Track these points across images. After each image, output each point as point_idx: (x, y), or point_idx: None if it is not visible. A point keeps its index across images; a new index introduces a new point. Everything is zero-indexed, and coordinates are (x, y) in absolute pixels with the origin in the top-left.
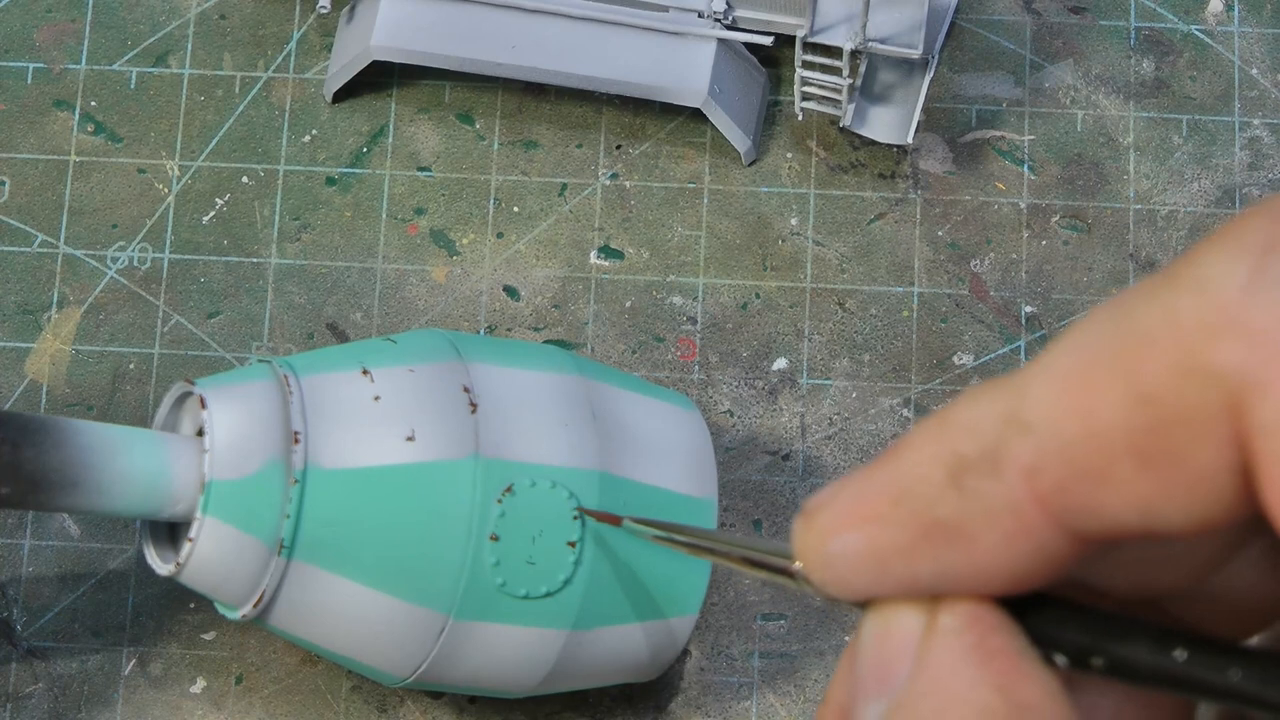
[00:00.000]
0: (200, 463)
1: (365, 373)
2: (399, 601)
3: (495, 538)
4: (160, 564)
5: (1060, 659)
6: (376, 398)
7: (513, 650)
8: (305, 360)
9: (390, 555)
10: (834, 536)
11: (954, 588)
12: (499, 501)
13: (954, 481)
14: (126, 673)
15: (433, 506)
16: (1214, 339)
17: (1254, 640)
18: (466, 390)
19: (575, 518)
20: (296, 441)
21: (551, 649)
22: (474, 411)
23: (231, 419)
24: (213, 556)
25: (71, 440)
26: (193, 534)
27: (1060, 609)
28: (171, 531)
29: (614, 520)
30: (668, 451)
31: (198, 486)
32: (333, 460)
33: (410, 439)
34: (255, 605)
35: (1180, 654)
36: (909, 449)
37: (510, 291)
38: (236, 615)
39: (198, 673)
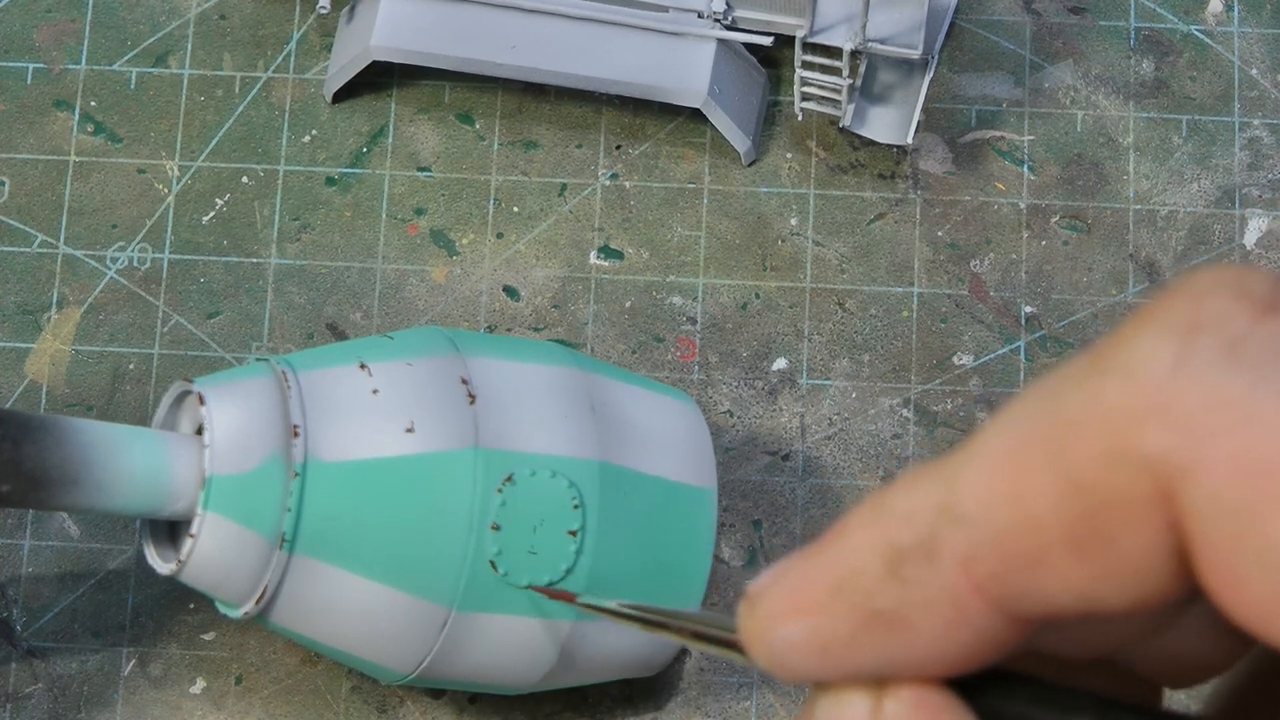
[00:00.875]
0: (200, 459)
1: (363, 367)
2: (401, 594)
3: (496, 527)
4: (161, 563)
5: None
6: (375, 391)
7: (516, 642)
8: (303, 357)
9: (392, 547)
10: (777, 626)
11: (898, 673)
12: (499, 491)
13: (892, 572)
14: (126, 673)
15: (433, 497)
16: (1141, 424)
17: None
18: (465, 382)
19: (575, 507)
20: (296, 435)
21: (554, 640)
22: (472, 403)
23: (231, 415)
24: (214, 552)
25: (72, 438)
26: (194, 530)
27: (1007, 683)
28: (172, 532)
29: (568, 598)
30: (667, 443)
31: (198, 483)
32: (333, 453)
33: (410, 431)
34: (257, 601)
35: None
36: (848, 536)
37: (510, 291)
38: (238, 613)
39: (198, 673)
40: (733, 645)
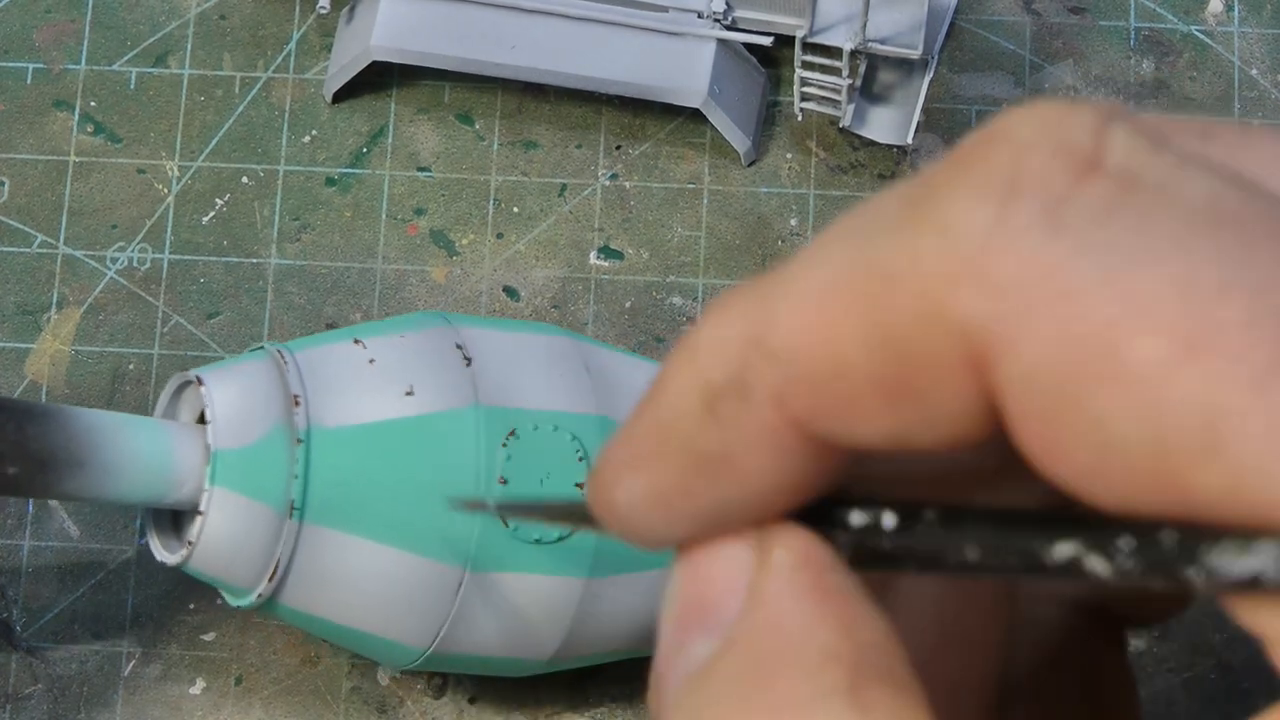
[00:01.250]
0: (203, 442)
1: (357, 342)
2: (414, 557)
3: (504, 481)
4: (169, 554)
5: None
6: (371, 360)
7: (531, 601)
8: (298, 342)
9: (401, 509)
10: (615, 487)
11: (737, 516)
12: (504, 445)
13: (709, 410)
14: (126, 673)
15: (438, 456)
16: (956, 288)
17: None
18: (459, 347)
19: (580, 459)
20: (297, 404)
21: (570, 599)
22: (469, 365)
23: (230, 393)
24: (224, 529)
25: (75, 422)
26: (203, 506)
27: (893, 512)
28: (175, 525)
29: (481, 506)
30: None
31: (203, 465)
32: (335, 419)
33: (409, 394)
34: (270, 579)
35: (889, 520)
36: (666, 379)
37: (510, 292)
38: (250, 598)
39: (198, 673)
40: (594, 520)
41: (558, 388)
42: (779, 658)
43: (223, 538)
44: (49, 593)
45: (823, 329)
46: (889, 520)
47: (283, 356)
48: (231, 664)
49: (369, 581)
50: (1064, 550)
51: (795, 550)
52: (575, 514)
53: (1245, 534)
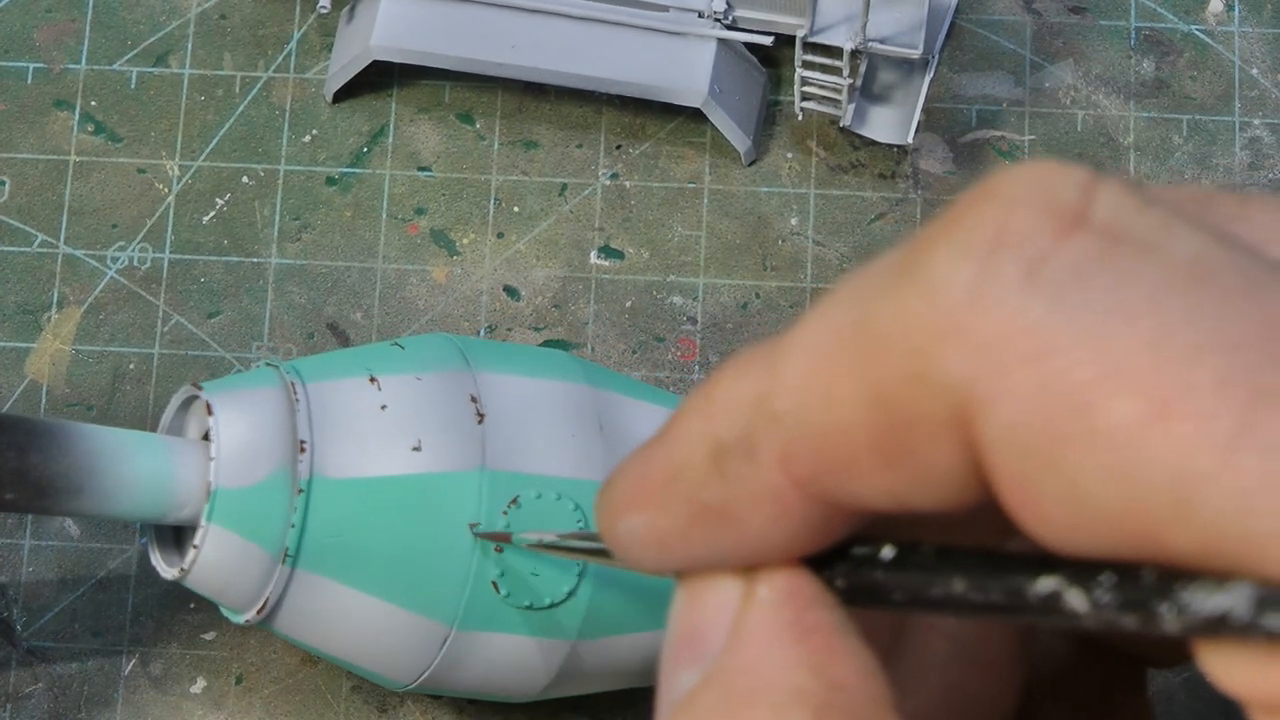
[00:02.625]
0: (205, 468)
1: (372, 380)
2: (402, 611)
3: (500, 549)
4: (165, 568)
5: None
6: (383, 406)
7: (515, 659)
8: (311, 365)
9: (395, 565)
10: (619, 518)
11: (734, 562)
12: (504, 514)
13: (716, 466)
14: (126, 673)
15: (438, 517)
16: (940, 346)
17: None
18: (474, 400)
19: (580, 527)
20: (303, 450)
21: (555, 658)
22: (480, 421)
23: (238, 426)
24: (217, 563)
25: (77, 445)
26: (197, 541)
27: (882, 548)
28: (176, 534)
29: (504, 538)
30: None
31: (203, 492)
32: (338, 470)
33: (417, 449)
34: (259, 612)
35: (888, 552)
36: (680, 425)
37: (510, 291)
38: (241, 620)
39: (198, 673)
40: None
41: (566, 452)
42: (750, 695)
43: (216, 571)
44: (49, 592)
45: (822, 391)
46: (888, 552)
47: (295, 390)
48: (231, 664)
49: (355, 627)
50: (1046, 585)
51: (779, 587)
52: (588, 545)
53: (1219, 578)
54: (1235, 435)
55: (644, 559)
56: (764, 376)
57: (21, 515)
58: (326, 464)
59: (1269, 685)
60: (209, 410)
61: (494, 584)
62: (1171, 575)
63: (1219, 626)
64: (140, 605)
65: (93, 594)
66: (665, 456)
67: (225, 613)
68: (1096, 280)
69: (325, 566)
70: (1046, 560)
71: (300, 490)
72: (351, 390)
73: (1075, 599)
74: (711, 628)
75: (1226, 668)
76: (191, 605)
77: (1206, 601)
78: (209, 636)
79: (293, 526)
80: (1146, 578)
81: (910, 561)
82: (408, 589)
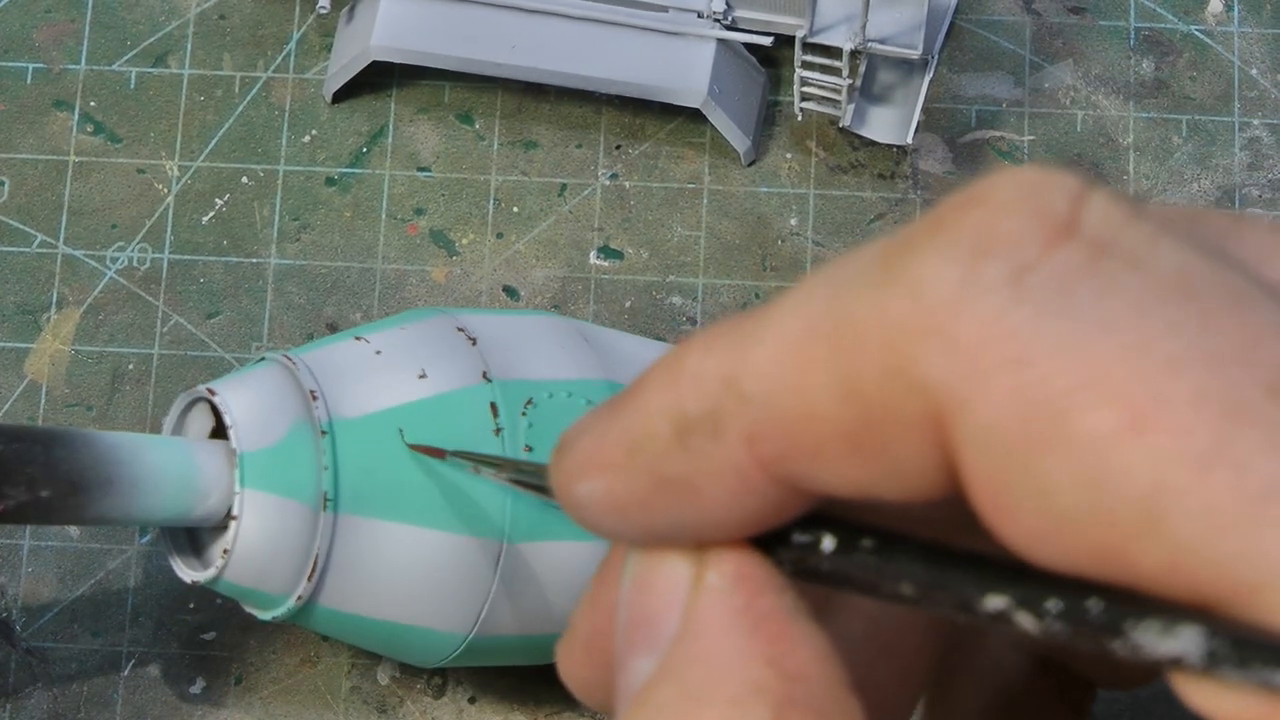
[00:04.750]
0: (224, 451)
1: (359, 339)
2: (450, 535)
3: (529, 449)
4: (199, 572)
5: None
6: (378, 352)
7: (569, 569)
8: (299, 348)
9: (431, 490)
10: (577, 480)
11: (692, 535)
12: (523, 414)
13: (680, 440)
14: (126, 673)
15: (461, 432)
16: (919, 346)
17: None
18: (462, 330)
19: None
20: (314, 399)
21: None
22: (475, 344)
23: (245, 399)
24: (259, 532)
25: (97, 442)
26: (235, 510)
27: (833, 531)
28: (194, 546)
29: (438, 453)
30: None
31: (228, 473)
32: (354, 410)
33: (423, 376)
34: (310, 577)
35: (829, 543)
36: (644, 395)
37: (510, 292)
38: (287, 603)
39: (197, 673)
40: (550, 492)
41: (562, 359)
42: (708, 690)
43: (259, 540)
44: (49, 592)
45: (794, 377)
46: (828, 543)
47: (289, 360)
48: (231, 664)
49: (409, 566)
50: (995, 602)
51: (728, 572)
52: (534, 480)
53: (1172, 613)
54: (1209, 451)
55: (600, 523)
56: (735, 355)
57: None
58: (341, 406)
59: (1234, 710)
60: (212, 393)
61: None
62: (1122, 607)
63: (1172, 665)
64: (140, 605)
65: (92, 594)
66: (628, 424)
67: (260, 613)
68: (1081, 289)
69: (366, 506)
70: (990, 565)
71: (323, 433)
72: (343, 349)
73: (1025, 620)
74: (663, 611)
75: (1190, 688)
76: (191, 605)
77: (1157, 645)
78: (208, 637)
79: (325, 469)
80: (1093, 608)
81: (853, 555)
82: (450, 510)
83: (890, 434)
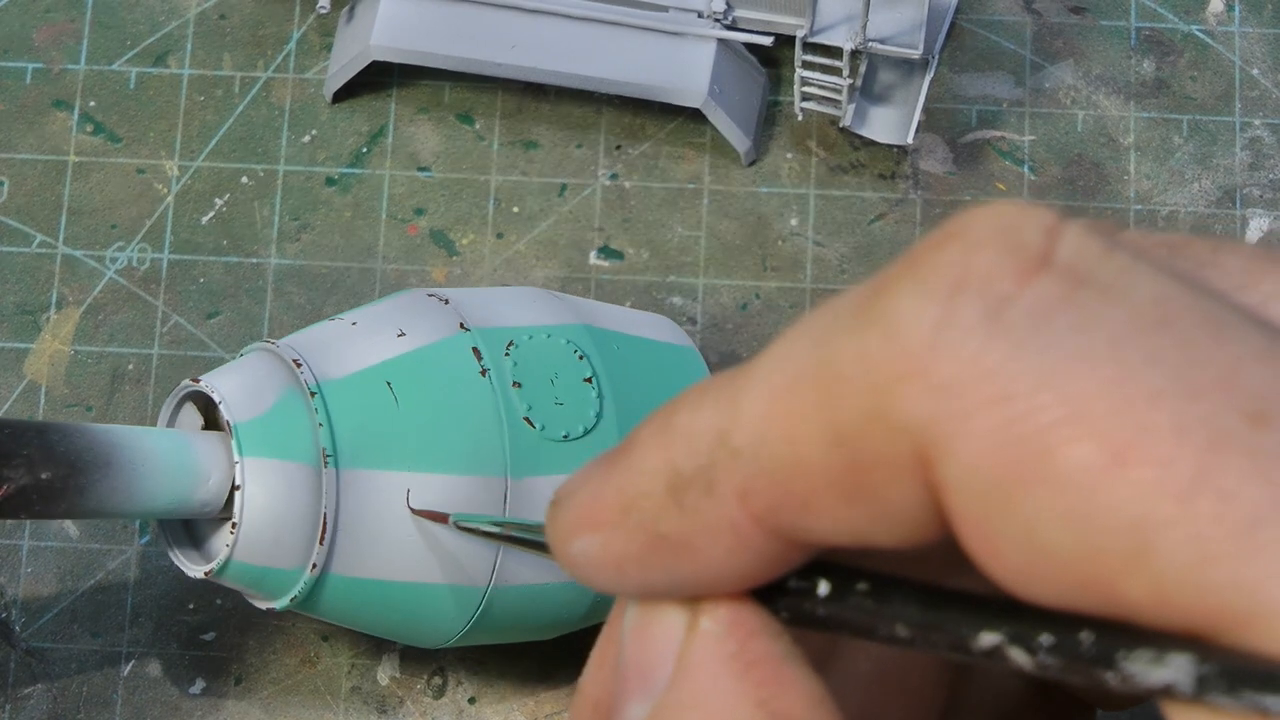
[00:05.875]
0: (221, 438)
1: (334, 320)
2: (453, 477)
3: (518, 384)
4: (198, 565)
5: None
6: (353, 323)
7: None
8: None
9: (428, 434)
10: (573, 538)
11: (689, 591)
12: (506, 355)
13: (674, 498)
14: (126, 673)
15: (448, 379)
16: (901, 387)
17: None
18: (433, 295)
19: (580, 358)
20: (298, 365)
21: None
22: (447, 304)
23: (231, 378)
24: (264, 499)
25: (92, 429)
26: (238, 480)
27: (826, 576)
28: (196, 543)
29: (442, 518)
30: (640, 321)
31: (226, 454)
32: (339, 370)
33: (401, 335)
34: (321, 540)
35: (824, 588)
36: (637, 453)
37: None
38: (303, 577)
39: (197, 673)
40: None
41: (537, 309)
42: None
43: (265, 508)
44: (49, 593)
45: (782, 427)
46: (823, 588)
47: (269, 343)
48: (231, 664)
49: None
50: (988, 640)
51: (721, 618)
52: (534, 538)
53: (1162, 643)
54: (1193, 481)
55: (598, 580)
56: (724, 409)
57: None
58: (327, 369)
59: None
60: (195, 380)
61: (527, 420)
62: (1113, 638)
63: (1163, 694)
64: (139, 606)
65: (92, 595)
66: (621, 483)
67: (273, 599)
68: (1058, 323)
69: (366, 459)
70: (984, 604)
71: (313, 394)
72: (320, 328)
73: (1018, 655)
74: (658, 659)
75: (1183, 716)
76: (191, 605)
77: (1149, 675)
78: (208, 637)
79: (320, 425)
80: (1085, 641)
81: (848, 599)
82: (449, 452)
83: (878, 479)
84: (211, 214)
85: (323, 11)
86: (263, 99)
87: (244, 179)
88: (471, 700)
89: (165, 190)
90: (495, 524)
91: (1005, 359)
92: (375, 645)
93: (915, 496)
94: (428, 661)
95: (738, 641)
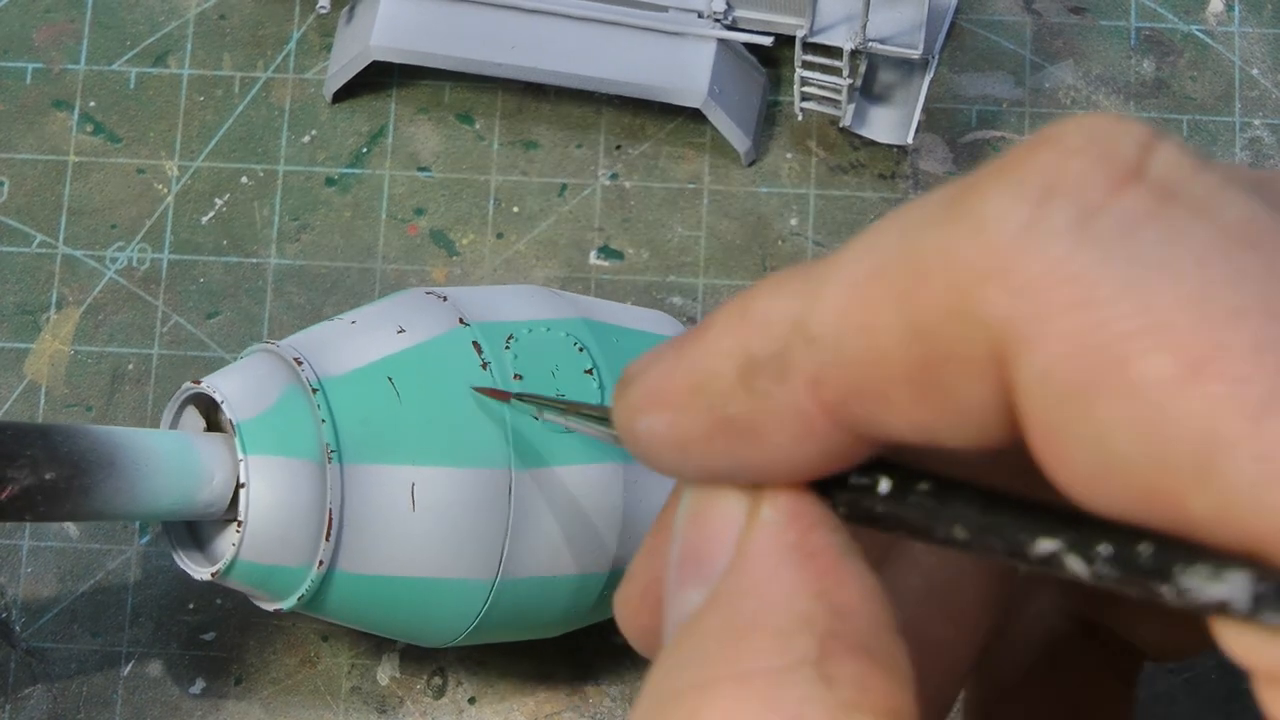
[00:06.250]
0: (224, 439)
1: (332, 320)
2: (458, 469)
3: (519, 377)
4: (204, 568)
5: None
6: (353, 322)
7: (580, 493)
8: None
9: (430, 427)
10: (639, 416)
11: (751, 476)
12: (507, 348)
13: (745, 382)
14: (126, 673)
15: (448, 372)
16: (983, 284)
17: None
18: (431, 293)
19: (580, 350)
20: (299, 364)
21: (615, 484)
22: (445, 301)
23: (233, 379)
24: (270, 497)
25: (94, 431)
26: (243, 478)
27: (887, 475)
28: (200, 546)
29: (503, 396)
30: (639, 317)
31: (229, 455)
32: (340, 367)
33: (401, 331)
34: (328, 536)
35: (885, 485)
36: (710, 336)
37: None
38: (310, 574)
39: (197, 673)
40: (612, 428)
41: (534, 304)
42: (754, 620)
43: (270, 506)
44: (49, 593)
45: (860, 318)
46: (884, 485)
47: (270, 343)
48: (231, 664)
49: (423, 509)
50: (1045, 546)
51: (783, 508)
52: (597, 417)
53: (1221, 559)
54: (1265, 401)
55: (661, 459)
56: (804, 297)
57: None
58: (327, 366)
59: (1274, 659)
60: (196, 382)
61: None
62: (1171, 552)
63: (1218, 610)
64: (139, 606)
65: (92, 595)
66: (692, 363)
67: (279, 599)
68: (1146, 235)
69: (370, 454)
70: (1043, 510)
71: (315, 390)
72: (320, 329)
73: (1074, 563)
74: (716, 545)
75: (1233, 636)
76: (191, 605)
77: (1204, 590)
78: (208, 637)
79: (323, 421)
80: (1143, 552)
81: (908, 498)
82: (452, 444)
83: (953, 376)
84: (211, 214)
85: (323, 11)
86: (263, 99)
87: (244, 179)
88: (471, 700)
89: (165, 190)
90: (557, 403)
91: (1090, 265)
92: (375, 645)
93: (988, 396)
94: (428, 662)
95: (798, 532)
